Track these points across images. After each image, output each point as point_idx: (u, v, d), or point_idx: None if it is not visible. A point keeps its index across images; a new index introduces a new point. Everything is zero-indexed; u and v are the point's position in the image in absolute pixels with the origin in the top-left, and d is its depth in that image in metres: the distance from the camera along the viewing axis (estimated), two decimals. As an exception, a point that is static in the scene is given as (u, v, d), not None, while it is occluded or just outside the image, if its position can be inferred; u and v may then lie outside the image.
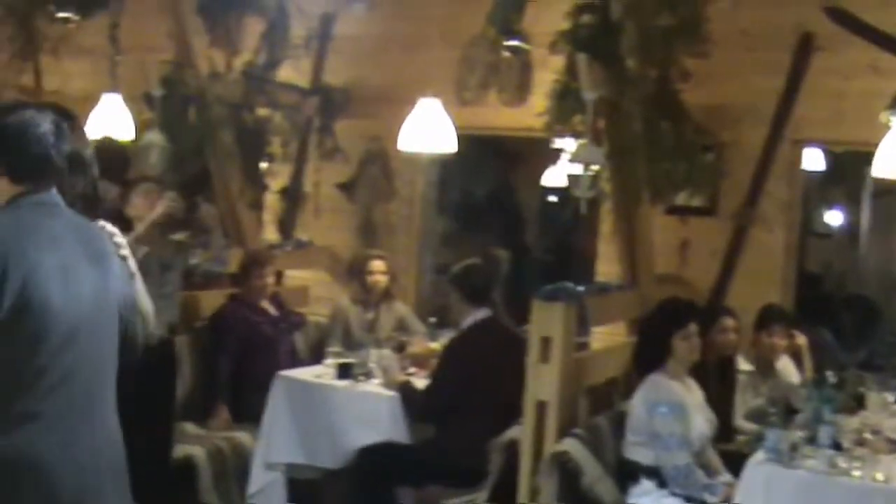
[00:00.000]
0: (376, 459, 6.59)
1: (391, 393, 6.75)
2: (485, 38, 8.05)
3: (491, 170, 11.97)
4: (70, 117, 3.76)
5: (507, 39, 6.85)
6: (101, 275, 3.58)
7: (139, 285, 3.84)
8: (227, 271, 7.84)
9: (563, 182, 12.27)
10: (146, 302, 3.86)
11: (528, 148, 11.81)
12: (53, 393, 3.44)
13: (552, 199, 13.08)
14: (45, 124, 3.56)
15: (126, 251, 3.77)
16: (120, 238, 3.76)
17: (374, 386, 6.90)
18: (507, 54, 7.07)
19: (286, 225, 9.17)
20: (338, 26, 9.04)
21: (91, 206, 3.81)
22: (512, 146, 11.53)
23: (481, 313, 6.76)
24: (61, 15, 7.27)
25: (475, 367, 6.53)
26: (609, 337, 7.23)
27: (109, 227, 3.74)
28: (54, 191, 3.58)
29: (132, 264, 3.81)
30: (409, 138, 7.75)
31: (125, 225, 6.61)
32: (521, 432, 6.05)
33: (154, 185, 6.76)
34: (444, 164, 9.24)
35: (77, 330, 3.48)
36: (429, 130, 7.70)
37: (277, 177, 9.04)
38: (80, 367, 3.50)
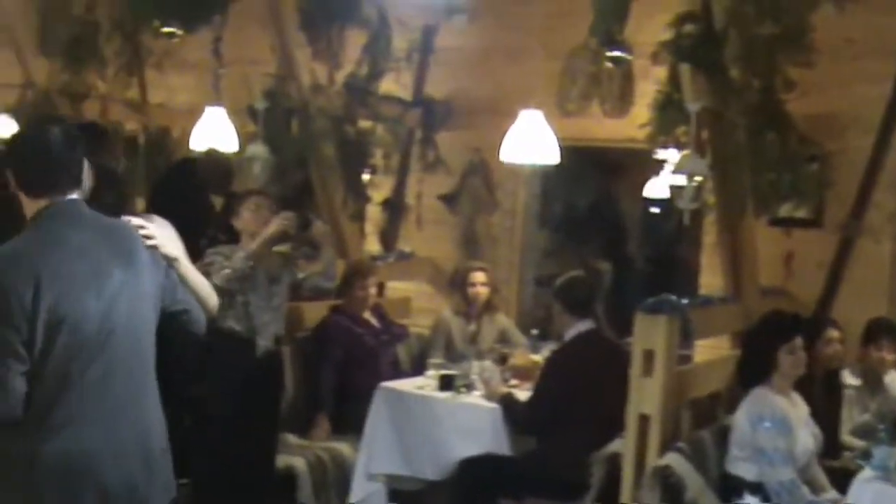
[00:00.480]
0: (477, 471, 6.58)
1: (493, 405, 6.74)
2: (587, 48, 8.01)
3: (592, 181, 11.87)
4: (101, 131, 3.90)
5: (610, 50, 6.80)
6: (133, 274, 3.66)
7: (185, 268, 3.94)
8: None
9: (664, 193, 12.23)
10: (198, 283, 3.97)
11: (628, 159, 11.72)
12: (93, 394, 3.54)
13: (653, 210, 12.96)
14: (53, 135, 3.63)
15: (154, 241, 3.81)
16: (148, 229, 3.80)
17: (475, 398, 6.89)
18: (609, 65, 7.03)
19: (388, 236, 9.20)
20: (439, 38, 9.06)
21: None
22: (612, 157, 11.44)
23: (584, 325, 6.72)
24: (166, 30, 7.34)
25: (577, 380, 6.48)
26: (712, 350, 7.15)
27: (136, 220, 3.81)
28: (76, 199, 3.65)
29: (170, 250, 3.88)
30: (511, 150, 7.73)
31: (233, 237, 6.70)
32: (623, 445, 5.99)
33: (263, 200, 6.77)
34: (546, 176, 9.20)
35: (112, 333, 3.57)
36: (531, 142, 7.68)
37: (379, 189, 9.07)
38: (117, 365, 3.59)
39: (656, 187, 12.06)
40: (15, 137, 3.75)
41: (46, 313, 3.44)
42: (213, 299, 4.09)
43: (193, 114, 10.18)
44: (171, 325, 3.89)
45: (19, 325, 3.41)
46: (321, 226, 7.37)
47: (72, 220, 3.63)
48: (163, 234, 3.86)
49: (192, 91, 10.87)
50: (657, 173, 11.89)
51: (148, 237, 3.76)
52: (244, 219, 6.67)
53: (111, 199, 3.97)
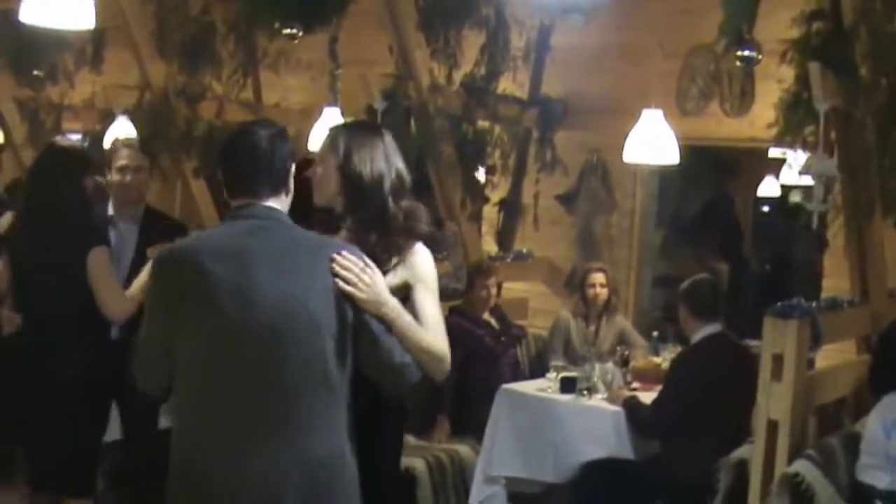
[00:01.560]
0: (599, 475, 6.53)
1: (615, 408, 6.67)
2: (707, 47, 7.92)
3: (707, 181, 11.75)
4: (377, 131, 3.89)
5: (740, 49, 6.69)
6: (298, 305, 3.47)
7: (387, 340, 3.63)
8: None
9: (777, 192, 12.09)
10: (395, 356, 3.66)
11: (741, 158, 11.61)
12: (223, 413, 3.49)
13: (765, 209, 12.83)
14: (255, 139, 3.60)
15: (363, 293, 3.55)
16: (352, 272, 3.54)
17: (598, 400, 6.83)
18: (738, 64, 6.92)
19: (505, 237, 9.16)
20: (555, 37, 9.01)
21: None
22: (725, 156, 11.33)
23: (711, 328, 6.63)
24: (287, 31, 7.36)
25: (704, 383, 6.40)
26: (837, 354, 7.01)
27: (348, 256, 3.57)
28: (270, 205, 3.60)
29: (390, 309, 3.63)
30: (632, 150, 7.66)
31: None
32: (750, 451, 5.89)
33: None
34: (663, 176, 9.11)
35: (250, 354, 3.46)
36: (652, 142, 7.60)
37: (497, 189, 9.03)
38: (253, 390, 3.47)
39: (771, 187, 11.92)
40: (226, 139, 3.76)
41: (188, 318, 3.52)
42: (407, 368, 3.71)
43: (308, 114, 10.24)
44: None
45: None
46: (451, 226, 7.34)
47: (253, 227, 3.56)
48: (374, 282, 3.60)
49: (306, 92, 10.93)
50: (771, 173, 11.76)
51: (344, 277, 3.54)
52: None
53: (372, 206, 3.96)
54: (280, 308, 3.45)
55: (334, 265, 3.52)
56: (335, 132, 4.04)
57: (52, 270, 5.47)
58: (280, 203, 3.63)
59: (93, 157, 5.90)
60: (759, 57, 6.79)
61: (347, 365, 3.56)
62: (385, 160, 3.95)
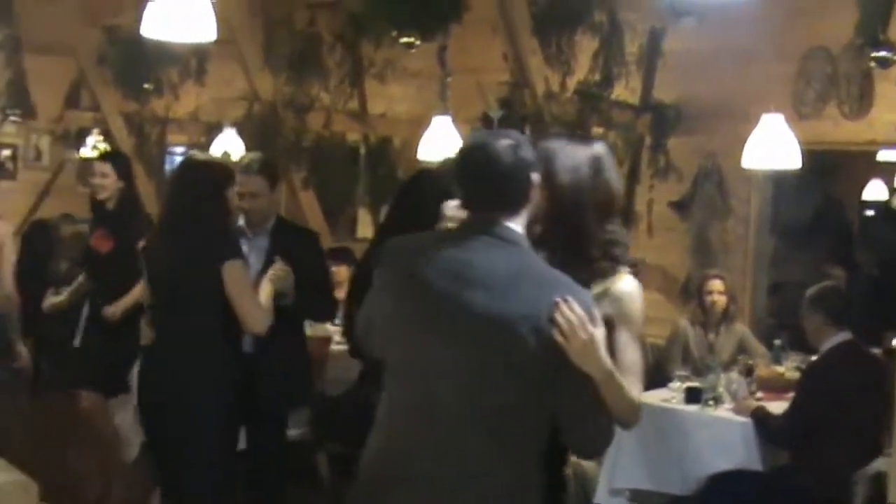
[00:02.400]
0: (728, 487, 6.39)
1: (743, 419, 6.53)
2: (823, 49, 7.78)
3: (817, 185, 11.57)
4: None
5: (876, 50, 6.56)
6: (506, 333, 3.25)
7: (586, 402, 3.30)
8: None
9: (885, 196, 11.90)
10: (589, 422, 3.34)
11: (844, 161, 11.41)
12: (412, 437, 3.40)
13: (870, 213, 12.65)
14: (491, 151, 3.35)
15: (577, 350, 3.20)
16: (572, 324, 3.20)
17: (724, 411, 6.69)
18: (872, 65, 6.78)
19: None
20: (667, 41, 8.88)
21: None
22: (830, 160, 11.14)
23: (842, 336, 6.47)
24: (404, 40, 7.32)
25: (836, 393, 6.24)
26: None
27: (574, 305, 3.22)
28: (506, 224, 3.35)
29: (603, 372, 3.24)
30: (752, 155, 7.52)
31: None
32: (888, 464, 5.73)
33: None
34: (777, 181, 8.96)
35: (445, 372, 3.32)
36: (772, 147, 7.45)
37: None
38: (443, 420, 3.33)
39: (877, 190, 11.73)
40: (461, 150, 3.50)
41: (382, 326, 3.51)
42: (630, 417, 3.43)
43: (415, 123, 10.22)
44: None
45: None
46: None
47: (475, 244, 3.35)
48: (592, 340, 3.23)
49: (413, 101, 10.90)
50: (878, 176, 11.57)
51: (561, 327, 3.22)
52: None
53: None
54: (488, 333, 3.26)
55: (556, 311, 3.23)
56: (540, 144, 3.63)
57: (188, 282, 5.52)
58: (517, 220, 3.37)
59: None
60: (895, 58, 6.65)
61: (544, 409, 3.32)
62: (593, 175, 3.57)
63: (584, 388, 3.25)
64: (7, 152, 13.90)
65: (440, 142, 8.95)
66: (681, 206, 8.91)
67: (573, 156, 3.56)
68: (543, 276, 3.32)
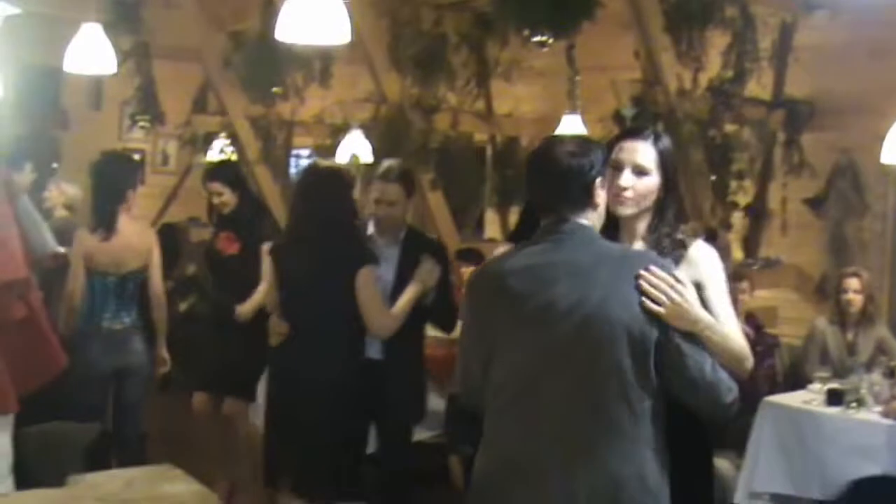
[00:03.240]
0: (872, 493, 6.22)
1: (889, 422, 6.36)
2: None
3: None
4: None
5: None
6: (598, 318, 3.39)
7: (697, 357, 3.45)
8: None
9: None
10: (707, 373, 3.45)
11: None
12: (520, 436, 3.48)
13: None
14: (560, 155, 3.53)
15: (672, 312, 3.41)
16: (660, 289, 3.42)
17: (869, 414, 6.52)
18: None
19: (751, 243, 8.90)
20: (799, 35, 8.73)
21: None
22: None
23: None
24: (537, 39, 7.23)
25: None
26: None
27: (657, 272, 3.45)
28: (576, 220, 3.52)
29: (704, 325, 3.49)
30: (892, 150, 7.33)
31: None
32: None
33: None
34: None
35: (551, 368, 3.44)
36: (914, 142, 7.27)
37: (742, 194, 8.77)
38: (555, 407, 3.43)
39: None
40: (530, 155, 3.76)
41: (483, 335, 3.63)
42: (740, 365, 3.66)
43: (542, 122, 10.17)
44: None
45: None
46: (724, 236, 7.15)
47: (551, 244, 3.54)
48: (684, 299, 3.45)
49: (539, 100, 10.86)
50: None
51: (650, 295, 3.42)
52: None
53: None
54: (580, 322, 3.39)
55: (641, 281, 3.41)
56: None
57: (322, 285, 5.64)
58: (587, 217, 3.56)
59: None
60: None
61: (651, 384, 3.41)
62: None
63: (689, 347, 3.42)
64: (136, 157, 14.06)
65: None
66: (815, 203, 8.76)
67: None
68: (617, 254, 3.54)
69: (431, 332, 8.01)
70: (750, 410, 6.78)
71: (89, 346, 6.76)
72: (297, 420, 5.62)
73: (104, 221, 6.81)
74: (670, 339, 3.42)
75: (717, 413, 3.53)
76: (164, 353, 7.23)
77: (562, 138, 3.78)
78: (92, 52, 8.16)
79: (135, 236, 6.97)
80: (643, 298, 3.39)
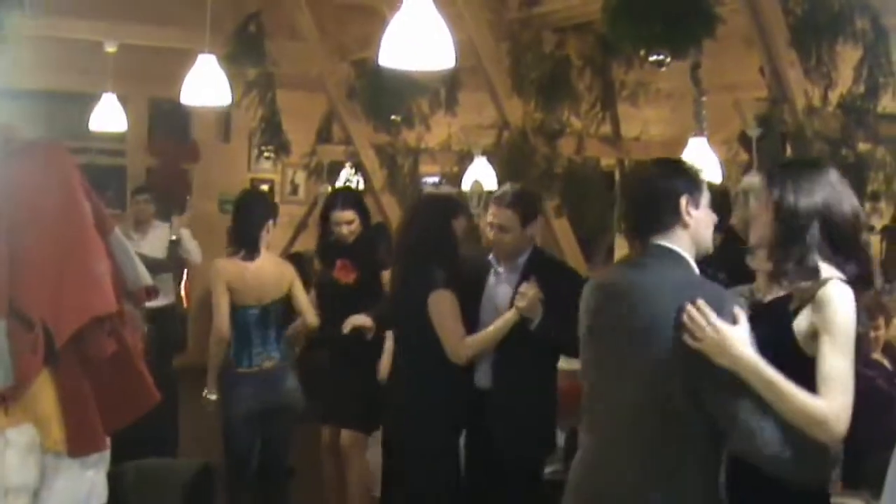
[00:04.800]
0: None
1: None
2: None
3: None
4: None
5: None
6: (646, 345, 3.53)
7: (741, 405, 3.41)
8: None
9: None
10: (752, 424, 3.41)
11: None
12: (585, 445, 3.88)
13: None
14: (646, 177, 3.83)
15: (708, 348, 3.42)
16: (697, 324, 3.43)
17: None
18: None
19: (889, 267, 8.51)
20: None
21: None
22: None
23: None
24: (653, 59, 6.99)
25: None
26: None
27: (702, 305, 3.46)
28: (660, 243, 3.66)
29: (742, 367, 3.41)
30: None
31: (733, 276, 6.20)
32: None
33: None
34: None
35: (612, 385, 3.69)
36: None
37: (878, 216, 8.39)
38: (611, 425, 3.70)
39: None
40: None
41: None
42: (816, 428, 3.50)
43: (670, 146, 9.88)
44: None
45: None
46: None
47: (635, 264, 3.70)
48: (723, 337, 3.41)
49: (667, 123, 10.64)
50: None
51: (688, 329, 3.46)
52: (760, 258, 6.14)
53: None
54: (630, 342, 3.59)
55: (683, 314, 3.46)
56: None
57: (407, 313, 5.95)
58: (677, 239, 3.65)
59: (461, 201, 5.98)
60: None
61: (697, 419, 3.47)
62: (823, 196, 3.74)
63: (735, 388, 3.38)
64: (265, 187, 14.09)
65: (696, 163, 8.56)
66: (954, 224, 8.34)
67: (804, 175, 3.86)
68: (683, 283, 3.60)
69: (562, 363, 7.86)
70: (885, 445, 6.40)
71: (239, 384, 6.74)
72: (401, 453, 5.64)
73: (247, 247, 6.81)
74: (713, 376, 3.41)
75: (780, 470, 3.44)
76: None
77: (655, 162, 4.01)
78: (207, 84, 8.13)
79: (273, 266, 6.97)
80: (683, 333, 3.44)
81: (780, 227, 3.68)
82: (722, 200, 7.67)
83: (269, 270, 6.91)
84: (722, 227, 7.23)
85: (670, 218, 3.63)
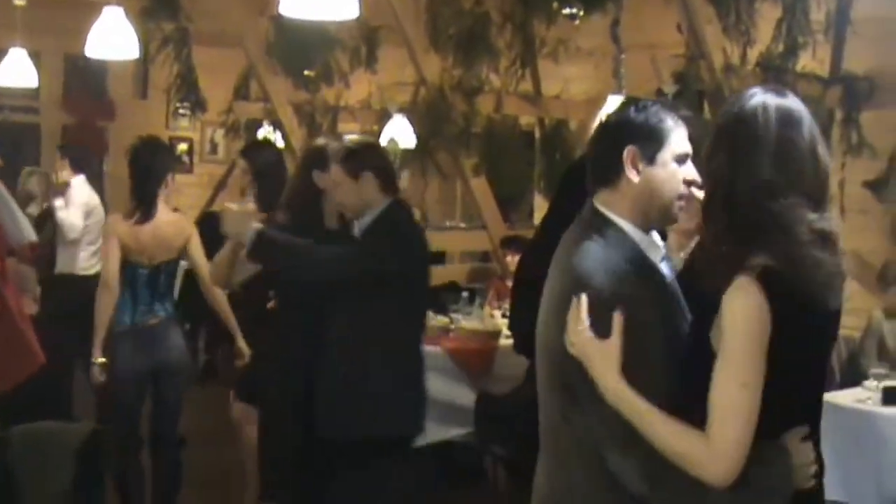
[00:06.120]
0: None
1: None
2: None
3: None
4: None
5: None
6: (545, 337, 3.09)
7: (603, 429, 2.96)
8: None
9: None
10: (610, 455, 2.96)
11: None
12: None
13: None
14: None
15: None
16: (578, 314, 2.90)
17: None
18: None
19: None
20: (859, 6, 8.27)
21: None
22: None
23: None
24: (566, 11, 6.83)
25: None
26: None
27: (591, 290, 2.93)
28: (595, 204, 3.10)
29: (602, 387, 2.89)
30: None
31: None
32: None
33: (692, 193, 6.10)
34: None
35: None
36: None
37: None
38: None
39: None
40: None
41: None
42: (694, 470, 2.83)
43: (592, 104, 9.77)
44: None
45: None
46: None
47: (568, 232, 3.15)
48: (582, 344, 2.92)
49: (589, 80, 10.51)
50: None
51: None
52: None
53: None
54: (540, 328, 3.10)
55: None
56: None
57: None
58: (613, 201, 3.06)
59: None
60: None
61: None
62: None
63: (597, 406, 2.87)
64: (183, 146, 13.85)
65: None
66: (876, 186, 8.31)
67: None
68: (581, 269, 2.95)
69: (466, 323, 7.72)
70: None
71: (122, 343, 6.46)
72: None
73: (143, 205, 6.49)
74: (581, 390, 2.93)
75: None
76: (243, 344, 6.79)
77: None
78: (114, 37, 7.84)
79: (170, 226, 6.65)
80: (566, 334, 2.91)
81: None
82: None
83: (165, 230, 6.59)
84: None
85: (611, 173, 3.03)
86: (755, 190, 2.80)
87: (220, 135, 13.72)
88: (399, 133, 10.50)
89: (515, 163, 10.34)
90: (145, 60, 10.81)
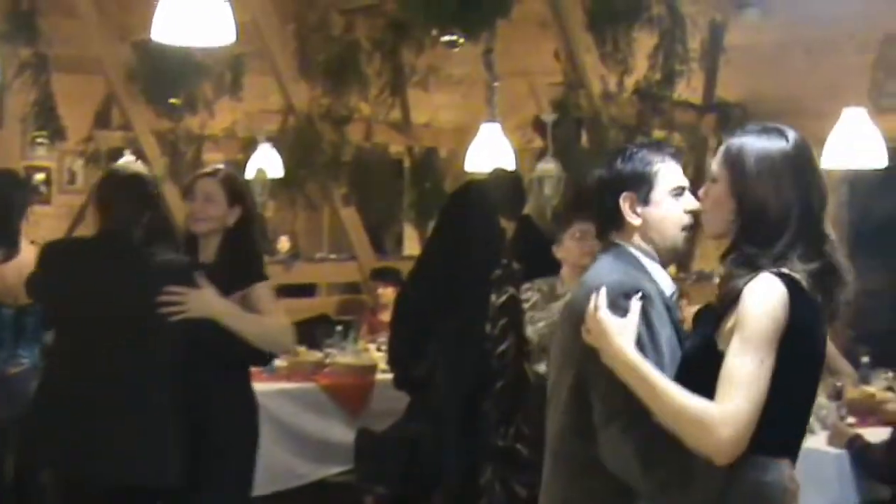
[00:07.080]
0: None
1: (837, 450, 5.82)
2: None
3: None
4: None
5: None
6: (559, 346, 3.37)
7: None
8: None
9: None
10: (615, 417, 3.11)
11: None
12: None
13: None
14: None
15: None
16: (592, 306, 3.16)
17: (814, 441, 5.98)
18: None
19: (685, 256, 8.46)
20: (730, 35, 8.36)
21: None
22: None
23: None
24: (445, 38, 6.73)
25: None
26: None
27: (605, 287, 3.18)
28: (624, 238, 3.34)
29: (619, 364, 3.06)
30: (833, 153, 6.84)
31: (529, 266, 5.91)
32: None
33: (589, 226, 5.97)
34: (851, 182, 8.36)
35: None
36: (856, 144, 6.80)
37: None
38: None
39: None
40: None
41: None
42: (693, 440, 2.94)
43: (461, 132, 9.75)
44: None
45: None
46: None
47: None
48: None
49: (458, 109, 10.47)
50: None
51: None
52: (566, 248, 5.76)
53: None
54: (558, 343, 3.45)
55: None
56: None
57: None
58: (624, 235, 3.37)
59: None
60: None
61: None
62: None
63: (608, 385, 3.09)
64: (41, 176, 13.45)
65: (488, 151, 8.37)
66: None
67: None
68: (597, 275, 3.27)
69: (341, 358, 7.54)
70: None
71: None
72: None
73: (6, 242, 6.11)
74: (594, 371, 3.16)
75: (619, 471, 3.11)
76: None
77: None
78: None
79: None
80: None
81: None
82: (515, 188, 7.47)
83: (31, 266, 6.23)
84: (515, 216, 7.05)
85: (615, 221, 3.29)
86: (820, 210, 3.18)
87: (79, 164, 13.35)
88: (266, 162, 10.29)
89: (385, 192, 10.23)
90: (1, 87, 10.45)
